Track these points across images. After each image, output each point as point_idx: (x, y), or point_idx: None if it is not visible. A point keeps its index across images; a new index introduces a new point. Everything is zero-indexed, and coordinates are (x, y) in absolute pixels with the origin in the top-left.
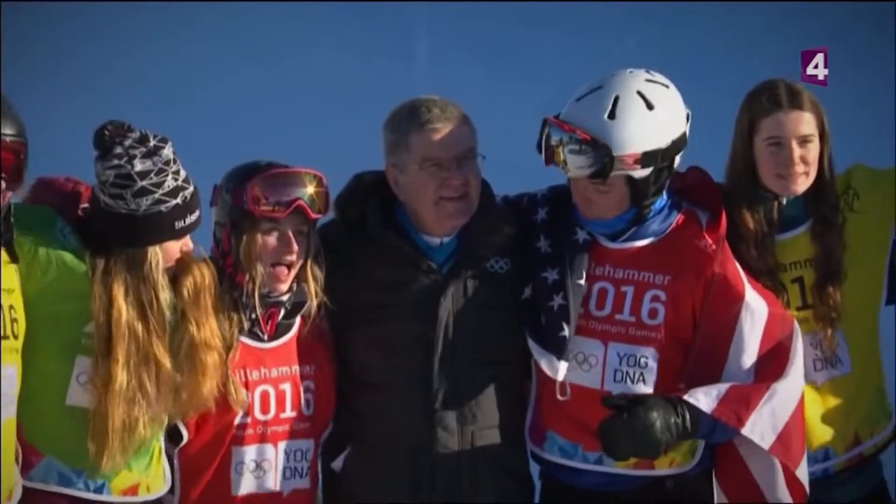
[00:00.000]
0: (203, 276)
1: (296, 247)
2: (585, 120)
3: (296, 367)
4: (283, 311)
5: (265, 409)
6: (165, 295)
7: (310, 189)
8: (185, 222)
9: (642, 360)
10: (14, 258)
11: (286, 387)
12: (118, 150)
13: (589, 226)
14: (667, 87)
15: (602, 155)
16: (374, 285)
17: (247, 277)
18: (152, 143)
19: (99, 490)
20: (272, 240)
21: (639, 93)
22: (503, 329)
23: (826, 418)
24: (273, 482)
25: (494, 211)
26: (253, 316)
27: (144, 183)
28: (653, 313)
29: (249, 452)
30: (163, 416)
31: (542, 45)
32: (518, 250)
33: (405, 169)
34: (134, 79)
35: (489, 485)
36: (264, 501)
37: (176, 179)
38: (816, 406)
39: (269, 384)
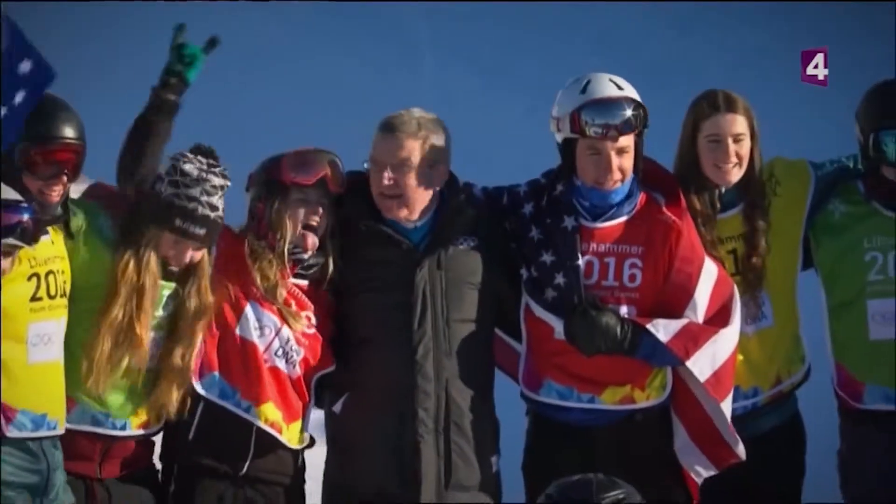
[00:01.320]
0: (192, 302)
1: (320, 211)
2: (607, 95)
3: (304, 313)
4: (298, 267)
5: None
6: (152, 277)
7: (330, 165)
8: (182, 224)
9: (623, 312)
10: (70, 235)
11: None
12: (191, 154)
13: (590, 199)
14: None
15: (636, 107)
16: (364, 262)
17: (277, 236)
18: (215, 169)
19: (123, 427)
20: (300, 206)
21: (612, 77)
22: (470, 294)
23: (754, 363)
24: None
25: (460, 199)
26: (279, 266)
27: (178, 178)
28: (632, 278)
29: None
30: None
31: (531, 55)
32: (484, 230)
33: (382, 170)
34: (137, 78)
35: (462, 422)
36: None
37: (203, 195)
38: (746, 353)
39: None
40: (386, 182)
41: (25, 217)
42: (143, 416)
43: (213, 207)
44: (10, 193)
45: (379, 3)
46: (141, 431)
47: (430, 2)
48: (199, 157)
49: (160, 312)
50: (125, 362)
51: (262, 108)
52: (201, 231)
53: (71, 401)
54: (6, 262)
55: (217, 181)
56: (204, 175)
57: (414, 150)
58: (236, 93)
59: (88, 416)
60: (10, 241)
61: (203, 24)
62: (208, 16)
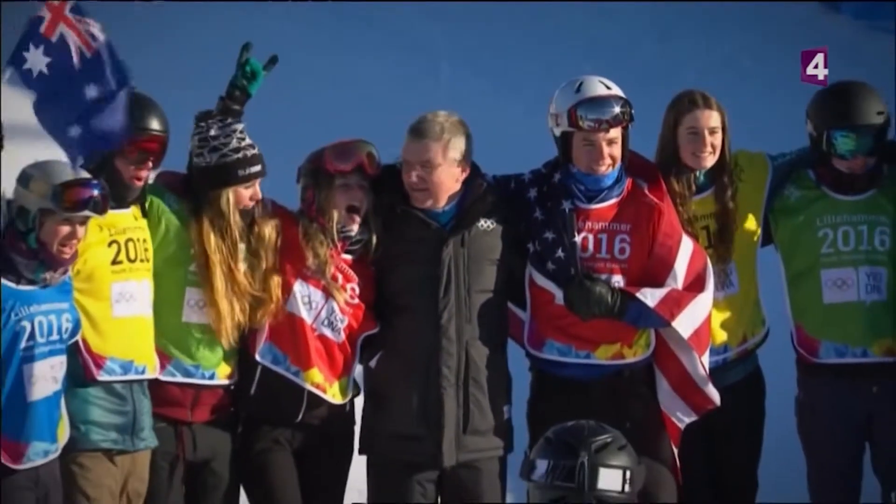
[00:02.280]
0: (269, 229)
1: (360, 193)
2: (598, 94)
3: (350, 285)
4: (348, 243)
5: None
6: (238, 227)
7: (366, 154)
8: (245, 171)
9: (615, 283)
10: (144, 213)
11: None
12: (202, 125)
13: (585, 184)
14: None
15: (624, 104)
16: (400, 240)
17: (325, 217)
18: (228, 121)
19: (211, 377)
20: (343, 190)
21: (601, 78)
22: (488, 268)
23: (724, 324)
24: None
25: (480, 187)
26: (330, 244)
27: (215, 143)
28: (622, 251)
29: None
30: (245, 312)
31: (530, 63)
32: (500, 213)
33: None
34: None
35: (479, 377)
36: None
37: (239, 142)
38: (718, 315)
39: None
40: (414, 180)
41: (96, 192)
42: (227, 368)
43: (251, 145)
44: (83, 172)
45: (404, 18)
46: (226, 381)
47: (441, 0)
48: (212, 123)
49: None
50: (238, 311)
51: (299, 107)
52: (258, 167)
53: (165, 357)
54: (81, 230)
55: (237, 126)
56: (228, 128)
57: (437, 152)
58: (277, 91)
59: (181, 369)
60: (84, 212)
61: (237, 27)
62: (248, 23)
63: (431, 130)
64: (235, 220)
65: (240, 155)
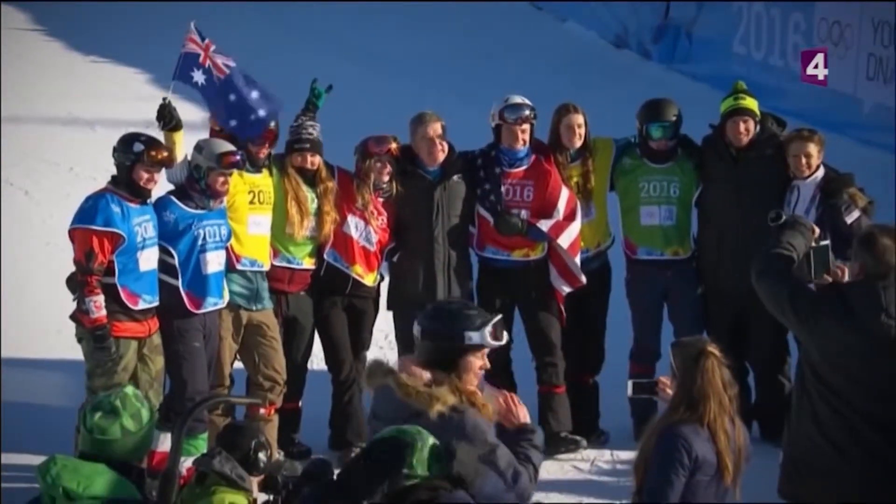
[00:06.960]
0: (327, 184)
1: (388, 166)
2: (516, 102)
3: (381, 217)
4: (381, 192)
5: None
6: (294, 176)
7: (393, 142)
8: (296, 145)
9: (523, 216)
10: (271, 173)
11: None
12: (295, 121)
13: (508, 156)
14: None
15: (531, 109)
16: (409, 188)
17: (368, 177)
18: (308, 122)
19: (300, 264)
20: (379, 162)
21: (519, 96)
22: (460, 203)
23: (587, 237)
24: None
25: (454, 156)
26: (370, 193)
27: (291, 129)
28: (528, 196)
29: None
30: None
31: (483, 89)
32: (466, 172)
33: (416, 141)
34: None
35: (456, 266)
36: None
37: (302, 130)
38: (582, 232)
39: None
40: (440, 147)
41: (239, 158)
42: (311, 260)
43: (309, 133)
44: (229, 146)
45: (405, 58)
46: (310, 267)
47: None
48: (297, 119)
49: (314, 206)
50: (306, 223)
51: (348, 118)
52: (306, 145)
53: (276, 251)
54: (230, 179)
55: (308, 123)
56: (301, 123)
57: (441, 129)
58: (336, 109)
59: (284, 258)
60: (233, 169)
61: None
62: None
63: (433, 115)
64: (293, 174)
65: (296, 136)
